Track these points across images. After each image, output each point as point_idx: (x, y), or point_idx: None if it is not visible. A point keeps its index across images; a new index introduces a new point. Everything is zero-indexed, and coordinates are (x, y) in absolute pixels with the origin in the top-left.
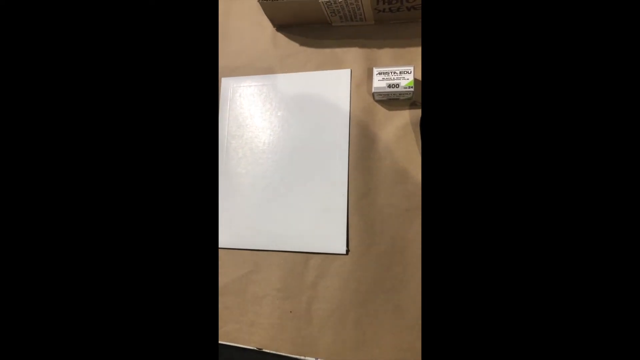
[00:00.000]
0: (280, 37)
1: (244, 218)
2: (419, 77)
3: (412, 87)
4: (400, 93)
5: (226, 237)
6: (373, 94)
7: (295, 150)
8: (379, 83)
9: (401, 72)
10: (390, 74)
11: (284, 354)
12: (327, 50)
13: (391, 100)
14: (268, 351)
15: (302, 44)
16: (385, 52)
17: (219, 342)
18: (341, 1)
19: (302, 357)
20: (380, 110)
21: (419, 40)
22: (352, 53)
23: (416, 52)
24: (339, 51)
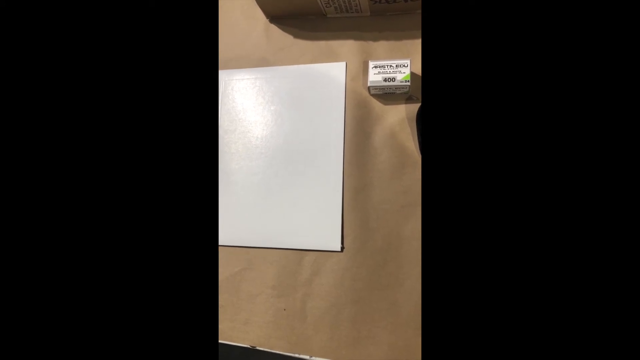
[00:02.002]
0: (274, 29)
1: (236, 214)
2: (416, 70)
3: (408, 81)
4: (397, 87)
5: (219, 234)
6: (369, 88)
7: (289, 145)
8: (374, 77)
9: (397, 65)
10: (386, 67)
11: (278, 352)
12: (322, 43)
13: (387, 94)
14: (262, 349)
15: (296, 36)
16: (382, 45)
17: None
18: None
19: (296, 355)
20: (376, 104)
21: (416, 32)
22: (348, 45)
23: (413, 45)
24: (334, 43)
